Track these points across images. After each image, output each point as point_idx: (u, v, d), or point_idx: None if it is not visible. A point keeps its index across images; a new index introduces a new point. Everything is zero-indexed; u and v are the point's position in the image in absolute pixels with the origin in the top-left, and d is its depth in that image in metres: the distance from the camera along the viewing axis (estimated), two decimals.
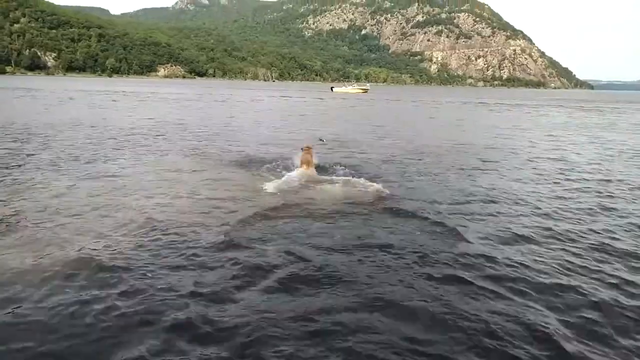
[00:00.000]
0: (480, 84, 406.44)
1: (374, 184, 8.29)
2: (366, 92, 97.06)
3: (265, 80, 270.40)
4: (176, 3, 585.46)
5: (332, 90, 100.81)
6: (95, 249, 5.53)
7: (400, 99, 67.83)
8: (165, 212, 7.02)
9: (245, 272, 4.82)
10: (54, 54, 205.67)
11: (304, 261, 5.10)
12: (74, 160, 11.15)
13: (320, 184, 8.17)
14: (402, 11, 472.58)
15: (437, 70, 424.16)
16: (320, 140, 11.91)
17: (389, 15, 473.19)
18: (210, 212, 6.89)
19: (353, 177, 8.85)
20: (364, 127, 22.84)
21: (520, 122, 29.06)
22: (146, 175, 9.54)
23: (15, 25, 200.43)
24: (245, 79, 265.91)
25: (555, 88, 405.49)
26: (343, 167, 10.03)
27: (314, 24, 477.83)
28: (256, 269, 4.88)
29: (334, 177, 8.77)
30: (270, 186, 7.98)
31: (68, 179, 9.17)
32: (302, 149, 9.28)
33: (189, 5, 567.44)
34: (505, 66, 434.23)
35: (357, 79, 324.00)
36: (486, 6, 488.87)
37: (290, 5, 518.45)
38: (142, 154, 12.50)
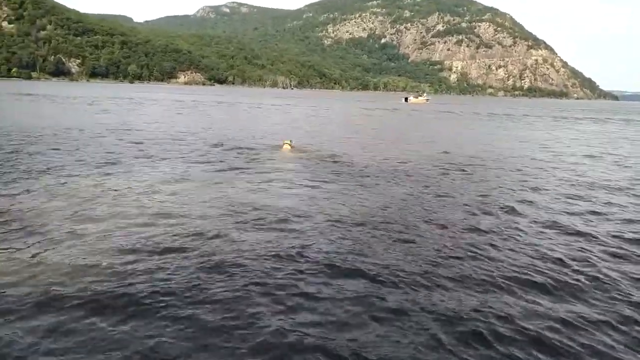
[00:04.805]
0: (501, 93, 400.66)
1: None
2: (428, 101, 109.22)
3: (284, 88, 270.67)
4: (198, 11, 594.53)
5: (405, 100, 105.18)
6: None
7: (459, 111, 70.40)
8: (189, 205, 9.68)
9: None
10: (78, 61, 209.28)
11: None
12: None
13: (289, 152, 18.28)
14: (422, 20, 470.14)
15: (456, 79, 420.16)
16: (290, 140, 19.82)
17: (409, 24, 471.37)
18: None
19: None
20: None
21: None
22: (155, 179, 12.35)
23: (41, 32, 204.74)
24: (265, 87, 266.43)
25: (577, 98, 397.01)
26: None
27: (333, 32, 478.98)
28: None
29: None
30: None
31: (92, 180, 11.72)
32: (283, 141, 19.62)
33: (210, 14, 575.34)
34: (527, 76, 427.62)
35: (376, 88, 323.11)
36: (508, 16, 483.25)
37: (310, 14, 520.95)
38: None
